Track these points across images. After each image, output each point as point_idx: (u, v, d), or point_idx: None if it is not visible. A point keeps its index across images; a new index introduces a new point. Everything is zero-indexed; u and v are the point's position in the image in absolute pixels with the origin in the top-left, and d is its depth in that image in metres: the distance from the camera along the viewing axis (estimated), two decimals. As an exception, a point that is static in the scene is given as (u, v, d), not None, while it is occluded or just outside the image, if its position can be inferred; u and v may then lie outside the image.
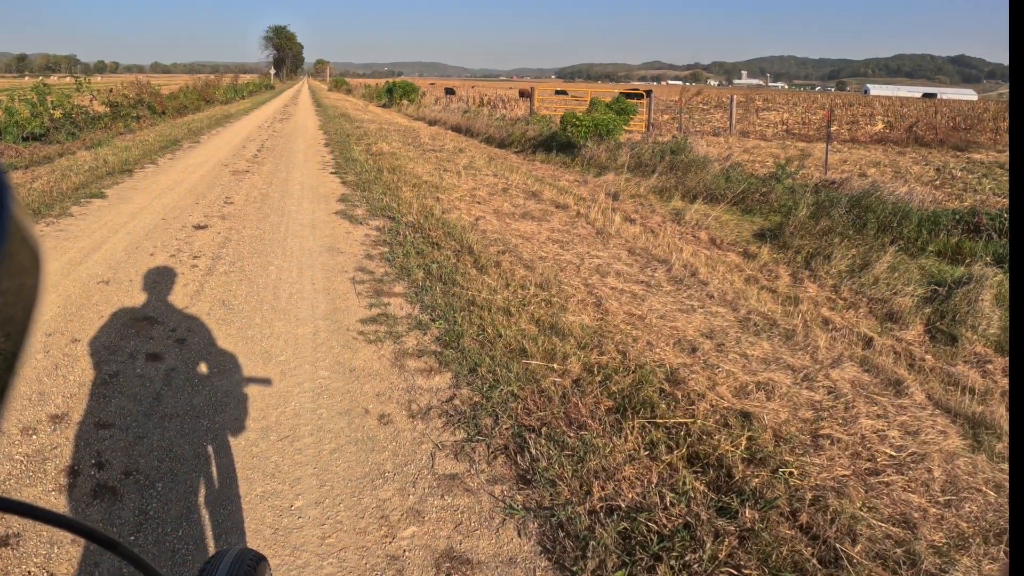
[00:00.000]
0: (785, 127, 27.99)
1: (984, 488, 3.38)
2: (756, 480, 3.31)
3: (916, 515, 3.14)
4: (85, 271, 6.67)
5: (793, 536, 2.96)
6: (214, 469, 3.50)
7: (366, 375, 4.62)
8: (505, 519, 3.19)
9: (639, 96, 24.53)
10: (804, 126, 28.21)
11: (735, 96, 28.92)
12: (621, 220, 9.48)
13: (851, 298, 6.71)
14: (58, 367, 4.54)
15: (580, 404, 4.06)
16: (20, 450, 3.57)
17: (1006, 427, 4.01)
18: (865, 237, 8.47)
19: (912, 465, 3.56)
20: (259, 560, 1.38)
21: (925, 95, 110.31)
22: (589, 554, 2.89)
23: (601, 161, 15.57)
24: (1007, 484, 2.65)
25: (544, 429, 3.80)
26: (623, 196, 11.64)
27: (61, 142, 16.86)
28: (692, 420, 3.86)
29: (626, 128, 18.78)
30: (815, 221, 9.03)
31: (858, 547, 2.88)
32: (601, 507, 3.18)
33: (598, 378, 4.39)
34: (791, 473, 3.38)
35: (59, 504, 3.18)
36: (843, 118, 31.57)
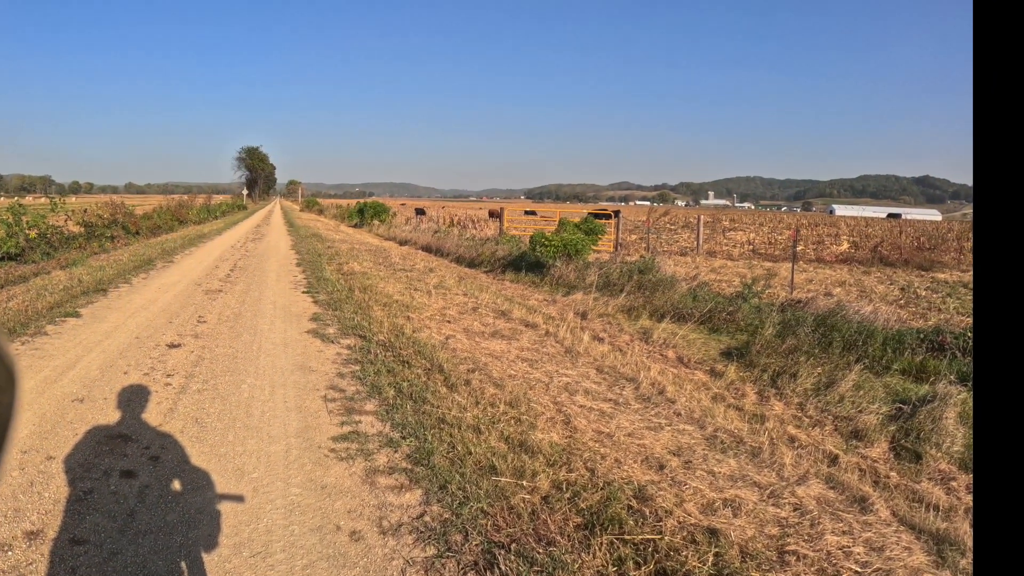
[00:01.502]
0: (751, 247, 28.59)
1: (947, 603, 3.46)
2: (722, 595, 3.38)
3: (879, 629, 3.21)
4: (60, 389, 6.70)
5: (756, 648, 3.02)
6: (187, 585, 3.52)
7: (338, 492, 4.66)
8: (476, 634, 3.23)
9: (607, 216, 25.10)
10: (770, 246, 28.83)
11: (702, 216, 29.68)
12: (590, 339, 9.65)
13: (817, 416, 6.82)
14: (33, 484, 4.55)
15: (549, 520, 4.12)
16: (-5, 567, 3.57)
17: (970, 543, 4.10)
18: (831, 356, 8.49)
19: (877, 581, 3.64)
20: None
21: (890, 215, 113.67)
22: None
23: (570, 280, 15.81)
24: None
25: (514, 545, 3.86)
26: (592, 315, 11.85)
27: (36, 262, 16.97)
28: (660, 536, 3.93)
29: (594, 248, 19.08)
30: (781, 340, 9.10)
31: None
32: (570, 622, 3.22)
33: (567, 495, 4.46)
34: (756, 588, 3.45)
35: (31, 622, 3.18)
36: (809, 238, 32.39)
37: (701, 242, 26.68)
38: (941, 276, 20.30)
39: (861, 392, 7.32)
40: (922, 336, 9.32)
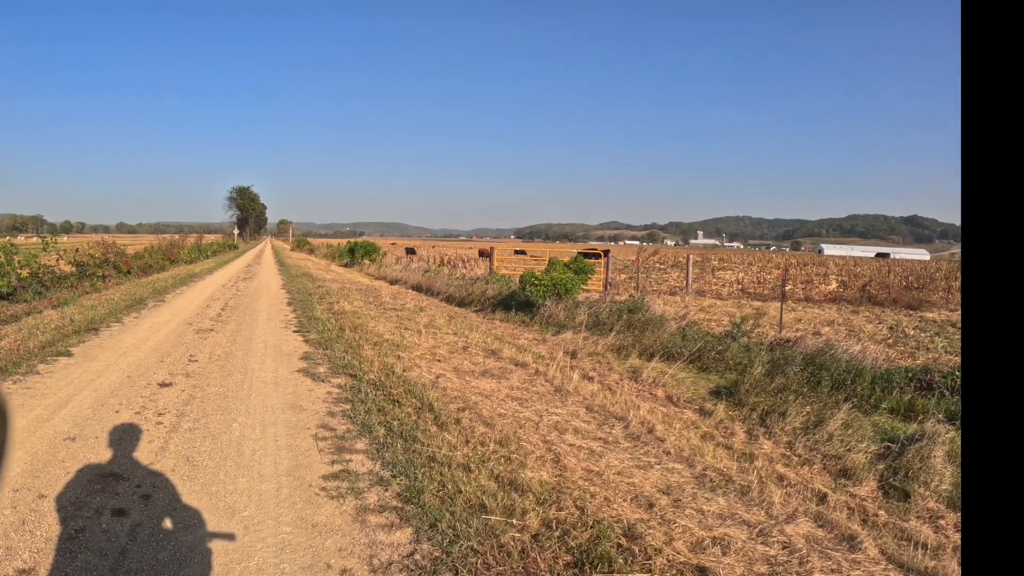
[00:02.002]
0: (740, 286, 28.65)
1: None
2: (708, 631, 3.42)
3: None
4: (52, 428, 6.71)
5: None
6: (179, 623, 3.53)
7: (328, 530, 4.67)
8: (465, 671, 3.25)
9: (597, 256, 25.23)
10: (759, 285, 28.90)
11: (691, 256, 29.86)
12: (579, 378, 9.69)
13: (805, 455, 6.83)
14: (25, 522, 4.56)
15: (539, 559, 4.14)
16: (-13, 605, 3.58)
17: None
18: (819, 395, 8.49)
19: (863, 618, 3.68)
20: None
21: (878, 254, 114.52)
22: None
23: (559, 320, 15.84)
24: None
25: (503, 583, 3.90)
26: (581, 354, 11.89)
27: (28, 301, 17.01)
28: (649, 574, 3.96)
29: (584, 287, 19.10)
30: (770, 379, 9.11)
31: None
32: (558, 657, 3.25)
33: (557, 533, 4.48)
34: (741, 624, 3.48)
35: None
36: (798, 277, 32.50)
37: (690, 281, 26.80)
38: (929, 315, 20.36)
39: (850, 431, 7.32)
40: (910, 375, 9.32)
